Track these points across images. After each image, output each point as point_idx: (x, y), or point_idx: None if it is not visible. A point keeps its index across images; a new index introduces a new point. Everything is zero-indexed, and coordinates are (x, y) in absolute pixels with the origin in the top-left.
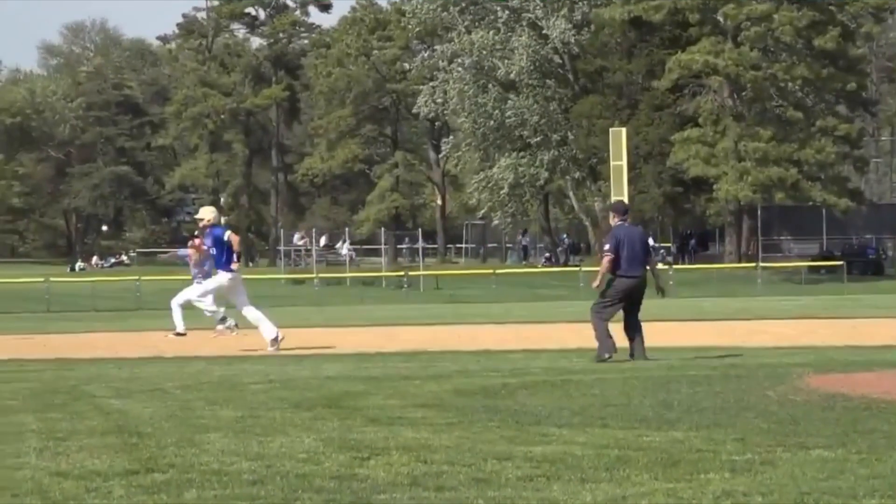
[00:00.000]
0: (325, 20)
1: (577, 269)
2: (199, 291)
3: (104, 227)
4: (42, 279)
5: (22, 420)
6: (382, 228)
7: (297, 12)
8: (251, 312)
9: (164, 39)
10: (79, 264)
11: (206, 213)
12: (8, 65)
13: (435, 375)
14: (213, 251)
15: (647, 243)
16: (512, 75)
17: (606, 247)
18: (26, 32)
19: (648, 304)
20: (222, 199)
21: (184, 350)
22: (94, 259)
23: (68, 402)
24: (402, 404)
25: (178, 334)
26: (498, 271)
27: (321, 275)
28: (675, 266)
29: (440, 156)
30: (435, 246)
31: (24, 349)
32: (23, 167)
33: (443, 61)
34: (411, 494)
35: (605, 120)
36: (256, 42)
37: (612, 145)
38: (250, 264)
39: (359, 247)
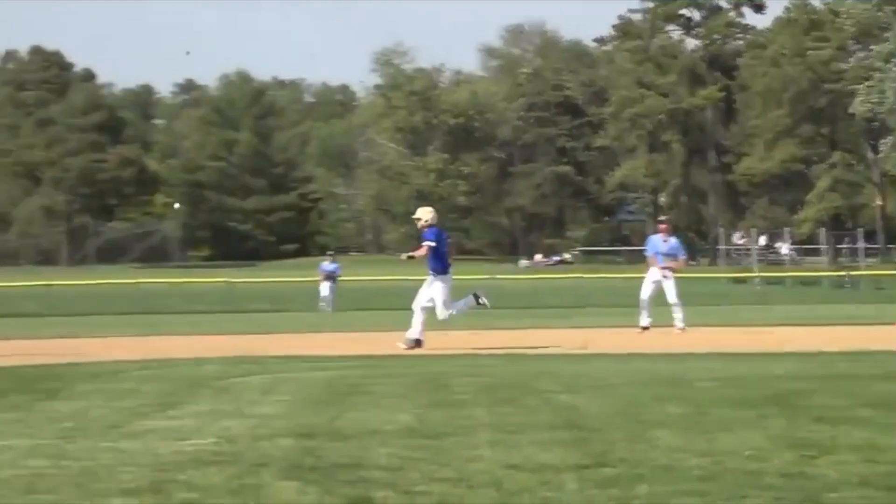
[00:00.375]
0: (759, 21)
1: None
2: (440, 303)
3: (546, 226)
4: (487, 276)
5: (474, 413)
6: (822, 228)
7: (732, 13)
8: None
9: (600, 41)
10: (523, 261)
11: (424, 214)
12: (451, 67)
13: (882, 375)
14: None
15: None
16: None
17: None
18: (468, 35)
19: None
20: (662, 199)
21: (629, 347)
22: (538, 257)
23: (518, 397)
24: (849, 404)
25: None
26: None
27: (761, 274)
28: None
29: (878, 156)
30: (876, 246)
31: (474, 343)
32: (467, 167)
33: (879, 61)
34: (861, 494)
35: None
36: (692, 43)
37: None
38: (691, 263)
39: (798, 247)
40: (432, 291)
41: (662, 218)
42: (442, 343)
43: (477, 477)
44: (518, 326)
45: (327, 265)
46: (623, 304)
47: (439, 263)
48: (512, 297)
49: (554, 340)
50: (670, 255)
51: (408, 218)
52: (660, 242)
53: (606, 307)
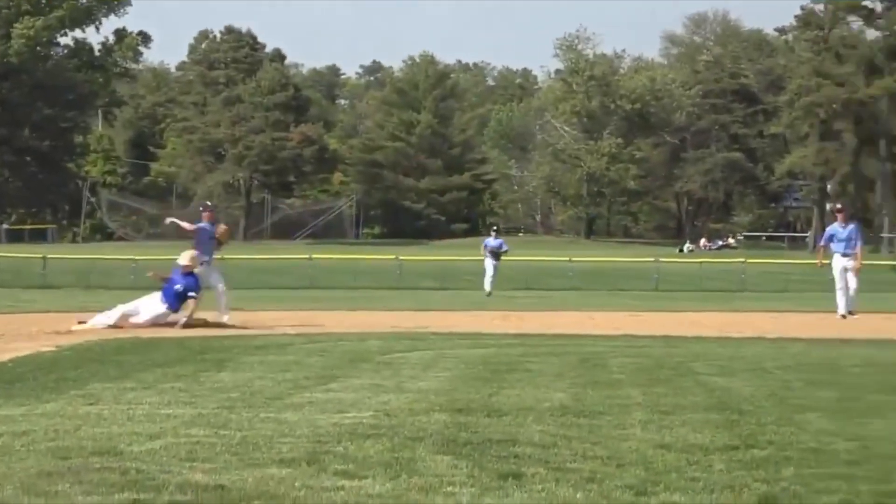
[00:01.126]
0: None
1: None
2: None
3: (713, 211)
4: (652, 259)
5: (628, 393)
6: None
7: None
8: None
9: (781, 31)
10: (687, 246)
11: (183, 259)
12: (632, 54)
13: None
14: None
15: None
16: None
17: None
18: (652, 23)
19: None
20: (829, 187)
21: (785, 331)
22: (702, 241)
23: (673, 378)
24: None
25: None
26: None
27: None
28: None
29: None
30: None
31: (632, 326)
32: (640, 151)
33: None
34: None
35: None
36: (872, 34)
37: None
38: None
39: None
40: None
41: (839, 205)
42: (586, 324)
43: (627, 455)
44: (679, 309)
45: (492, 241)
46: (782, 288)
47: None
48: (675, 281)
49: (717, 322)
50: (849, 242)
51: (578, 200)
52: (838, 229)
53: (766, 291)
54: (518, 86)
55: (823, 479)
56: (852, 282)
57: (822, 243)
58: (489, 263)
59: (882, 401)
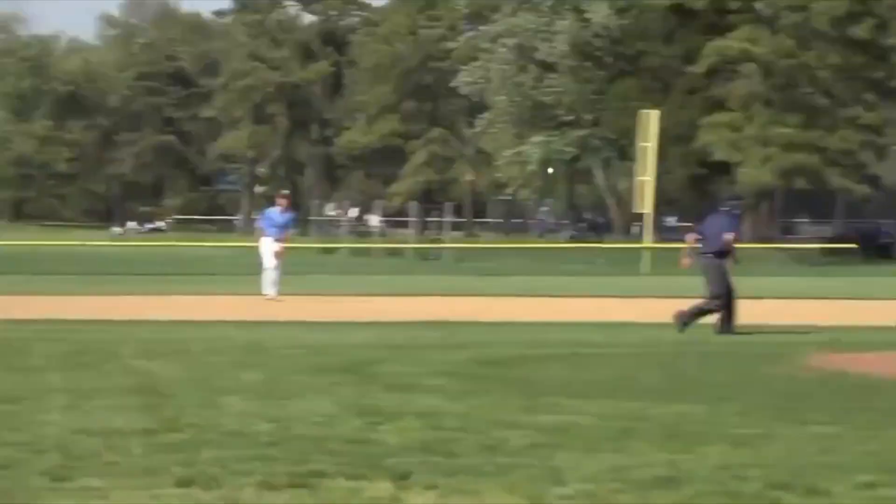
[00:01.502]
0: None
1: (599, 245)
2: None
3: (144, 194)
4: (81, 243)
5: (49, 378)
6: (413, 202)
7: None
8: None
9: (220, 14)
10: (115, 229)
11: None
12: (69, 35)
13: (454, 345)
14: None
15: None
16: (552, 58)
17: None
18: (89, 3)
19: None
20: (260, 170)
21: (214, 314)
22: (132, 224)
23: (96, 362)
24: (420, 372)
25: None
26: (521, 245)
27: (348, 245)
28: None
29: (473, 130)
30: (463, 220)
31: (61, 310)
32: (71, 134)
33: (486, 42)
34: (422, 459)
35: (638, 102)
36: (308, 18)
37: (642, 127)
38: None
39: (389, 219)
40: None
41: (286, 192)
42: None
43: (45, 441)
44: (109, 293)
45: None
46: (212, 271)
47: None
48: (105, 265)
49: (146, 306)
50: (284, 228)
51: (6, 183)
52: (277, 215)
53: (197, 274)
54: None
55: (242, 460)
56: (278, 265)
57: (259, 225)
58: None
59: (304, 381)
